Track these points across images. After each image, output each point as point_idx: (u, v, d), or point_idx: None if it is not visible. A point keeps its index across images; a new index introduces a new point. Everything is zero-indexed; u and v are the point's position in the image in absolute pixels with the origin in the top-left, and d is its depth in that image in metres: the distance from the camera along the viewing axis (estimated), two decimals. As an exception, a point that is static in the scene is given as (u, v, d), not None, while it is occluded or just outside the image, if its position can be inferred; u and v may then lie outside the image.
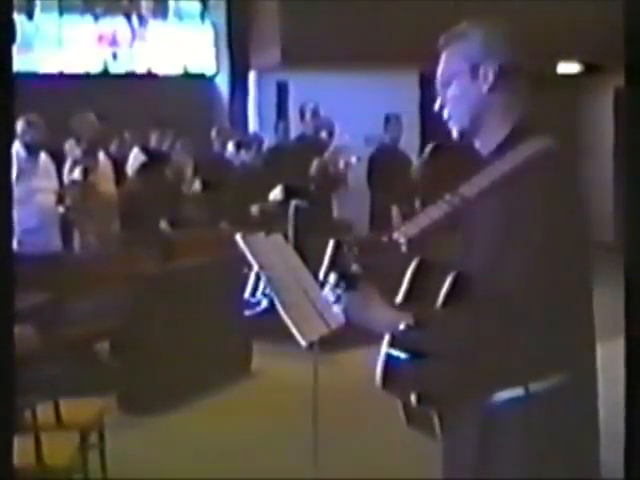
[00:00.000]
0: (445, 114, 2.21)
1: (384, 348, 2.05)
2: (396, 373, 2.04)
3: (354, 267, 2.08)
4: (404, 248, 2.01)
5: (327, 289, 2.09)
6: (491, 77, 2.13)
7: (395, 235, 2.03)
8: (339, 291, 2.07)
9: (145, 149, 8.50)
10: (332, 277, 2.08)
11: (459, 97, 2.17)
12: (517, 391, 2.03)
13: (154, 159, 8.26)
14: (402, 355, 2.00)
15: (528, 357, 1.98)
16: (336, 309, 2.10)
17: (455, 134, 2.21)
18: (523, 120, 2.16)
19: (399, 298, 2.06)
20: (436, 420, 2.07)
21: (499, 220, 2.03)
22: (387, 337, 2.05)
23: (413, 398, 2.01)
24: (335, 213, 9.32)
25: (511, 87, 2.16)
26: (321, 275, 2.11)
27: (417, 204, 9.55)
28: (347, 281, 2.07)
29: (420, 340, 1.99)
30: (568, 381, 2.04)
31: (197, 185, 8.60)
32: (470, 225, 2.12)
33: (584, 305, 2.09)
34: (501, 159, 2.09)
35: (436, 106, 2.23)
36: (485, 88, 2.14)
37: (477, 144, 2.21)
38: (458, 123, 2.19)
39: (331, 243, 2.11)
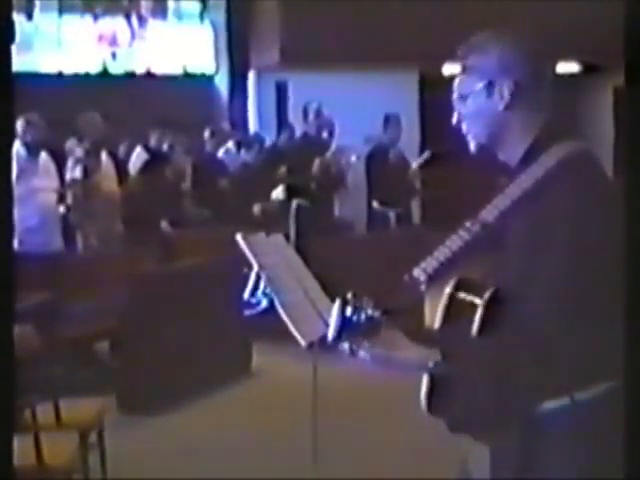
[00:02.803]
0: (463, 128, 2.19)
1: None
2: (440, 397, 2.02)
3: (372, 313, 2.00)
4: (424, 287, 1.98)
5: (344, 346, 2.02)
6: (507, 95, 2.10)
7: (415, 272, 1.99)
8: (355, 346, 2.02)
9: (147, 148, 8.50)
10: (345, 335, 1.99)
11: (475, 114, 2.14)
12: (563, 400, 2.02)
13: (156, 158, 8.27)
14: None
15: (569, 369, 1.97)
16: (360, 356, 2.04)
17: (473, 148, 2.19)
18: (545, 129, 2.13)
19: (436, 324, 2.03)
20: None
21: (527, 235, 2.00)
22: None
23: (458, 423, 2.02)
24: (335, 213, 9.32)
25: (529, 101, 2.12)
26: (330, 334, 2.00)
27: (415, 206, 9.58)
28: (365, 333, 2.00)
29: (453, 372, 1.98)
30: (613, 387, 2.02)
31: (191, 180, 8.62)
32: (495, 247, 2.07)
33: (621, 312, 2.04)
34: (523, 173, 2.06)
35: (453, 120, 2.20)
36: (501, 106, 2.11)
37: (501, 157, 2.18)
38: (476, 139, 2.17)
39: (337, 302, 1.99)
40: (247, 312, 2.99)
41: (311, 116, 9.24)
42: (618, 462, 2.02)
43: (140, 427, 5.56)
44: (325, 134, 9.15)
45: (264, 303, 3.02)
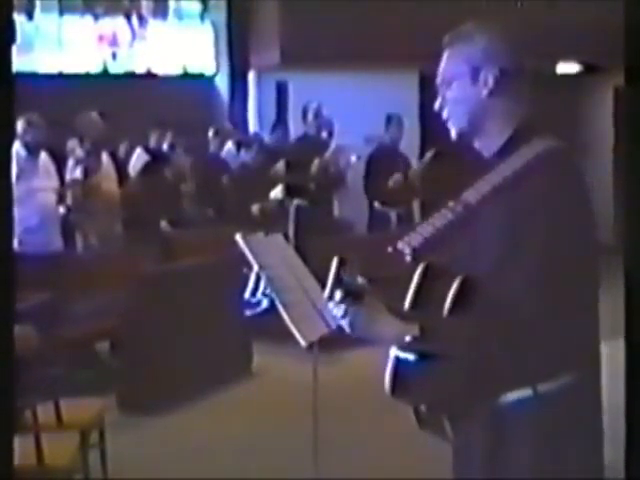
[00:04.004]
0: (444, 114, 2.22)
1: (393, 352, 2.04)
2: (405, 380, 2.03)
3: (359, 280, 2.06)
4: (409, 258, 2.01)
5: (333, 305, 2.07)
6: (491, 82, 2.14)
7: (399, 245, 2.03)
8: (344, 307, 2.06)
9: (147, 149, 8.50)
10: (338, 294, 2.06)
11: (459, 99, 2.18)
12: (525, 392, 2.04)
13: (157, 159, 8.27)
14: (410, 357, 2.00)
15: (536, 358, 1.99)
16: (343, 324, 2.08)
17: (454, 134, 2.23)
18: (525, 122, 2.17)
19: (406, 305, 2.05)
20: (447, 422, 2.07)
21: (504, 223, 2.04)
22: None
23: (423, 406, 2.02)
24: (335, 213, 9.32)
25: (512, 91, 2.17)
26: (326, 293, 2.08)
27: (416, 206, 9.58)
28: (353, 296, 2.05)
29: (428, 347, 1.99)
30: (575, 381, 2.05)
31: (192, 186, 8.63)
32: (475, 229, 2.11)
33: (590, 304, 2.11)
34: (503, 162, 2.10)
35: (436, 105, 2.24)
36: (485, 92, 2.15)
37: (478, 146, 2.22)
38: (457, 124, 2.21)
39: (335, 260, 2.08)
40: (247, 312, 2.98)
41: (310, 116, 9.24)
42: (577, 455, 2.07)
43: (140, 427, 5.56)
44: (325, 134, 9.15)
45: (264, 303, 3.02)
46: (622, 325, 2.16)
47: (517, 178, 2.04)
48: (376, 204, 9.10)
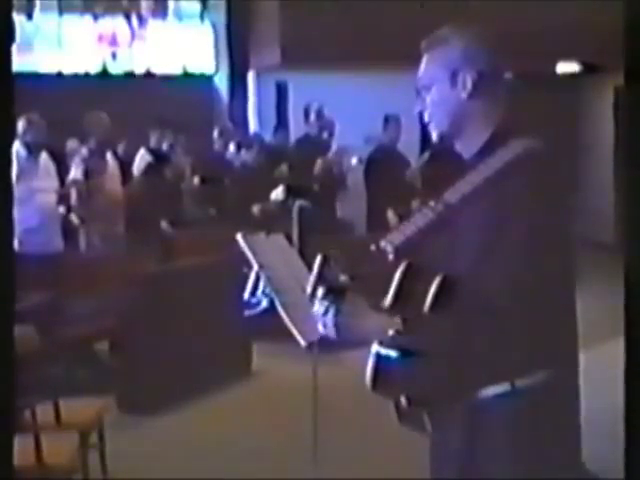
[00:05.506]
0: (425, 117, 2.25)
1: (374, 348, 2.06)
2: (386, 374, 2.05)
3: (342, 278, 2.08)
4: (391, 256, 2.03)
5: (315, 302, 2.08)
6: (470, 84, 2.17)
7: (382, 244, 2.04)
8: (326, 303, 2.07)
9: (150, 150, 8.50)
10: (320, 291, 2.07)
11: (438, 103, 2.21)
12: (503, 387, 2.05)
13: (160, 160, 8.28)
14: (392, 353, 2.01)
15: (515, 354, 2.01)
16: (326, 321, 2.09)
17: (435, 137, 2.25)
18: (504, 123, 2.19)
19: (387, 302, 2.06)
20: (427, 417, 2.08)
21: (484, 223, 2.06)
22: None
23: (403, 400, 2.03)
24: (337, 213, 9.32)
25: (491, 92, 2.19)
26: (308, 289, 2.10)
27: (415, 207, 9.57)
28: (335, 293, 2.06)
29: (409, 343, 2.00)
30: (552, 377, 2.06)
31: (195, 180, 8.63)
32: (455, 229, 2.13)
33: (567, 303, 2.13)
34: (483, 163, 2.12)
35: (416, 109, 2.27)
36: (464, 95, 2.18)
37: (458, 147, 2.25)
38: (437, 127, 2.24)
39: (318, 258, 2.10)
40: (247, 312, 2.99)
41: (312, 117, 9.24)
42: (554, 451, 2.08)
43: (140, 427, 5.56)
44: (325, 134, 9.16)
45: (264, 303, 3.02)
46: (622, 325, 2.16)
47: (497, 178, 2.06)
48: (374, 205, 9.09)
